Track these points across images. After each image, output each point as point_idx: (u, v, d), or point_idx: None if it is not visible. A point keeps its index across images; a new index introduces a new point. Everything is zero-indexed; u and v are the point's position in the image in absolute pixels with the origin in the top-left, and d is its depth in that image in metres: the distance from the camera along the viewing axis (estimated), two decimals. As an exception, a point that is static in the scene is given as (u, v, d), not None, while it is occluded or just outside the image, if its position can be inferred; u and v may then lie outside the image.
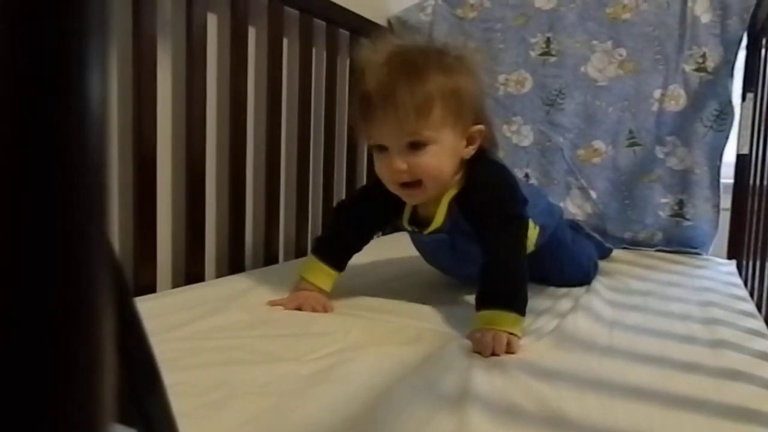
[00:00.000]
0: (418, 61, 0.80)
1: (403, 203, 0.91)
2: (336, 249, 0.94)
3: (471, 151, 0.85)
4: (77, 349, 0.12)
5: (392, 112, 0.78)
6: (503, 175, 0.89)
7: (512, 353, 0.70)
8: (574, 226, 1.31)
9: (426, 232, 0.90)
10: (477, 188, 0.86)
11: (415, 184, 0.82)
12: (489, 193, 0.85)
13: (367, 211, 0.96)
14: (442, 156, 0.81)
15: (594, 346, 0.74)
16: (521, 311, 0.75)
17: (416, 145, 0.80)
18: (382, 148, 0.82)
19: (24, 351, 0.12)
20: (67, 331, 0.12)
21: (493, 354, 0.69)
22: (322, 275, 0.91)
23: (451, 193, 0.87)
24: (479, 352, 0.69)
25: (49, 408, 0.12)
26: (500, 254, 0.80)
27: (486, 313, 0.75)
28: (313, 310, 0.85)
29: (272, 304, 0.87)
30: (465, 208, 0.86)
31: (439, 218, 0.88)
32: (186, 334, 0.72)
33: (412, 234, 0.96)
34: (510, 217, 0.83)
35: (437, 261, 1.03)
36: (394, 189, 0.85)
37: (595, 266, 1.15)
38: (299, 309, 0.85)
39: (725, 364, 0.69)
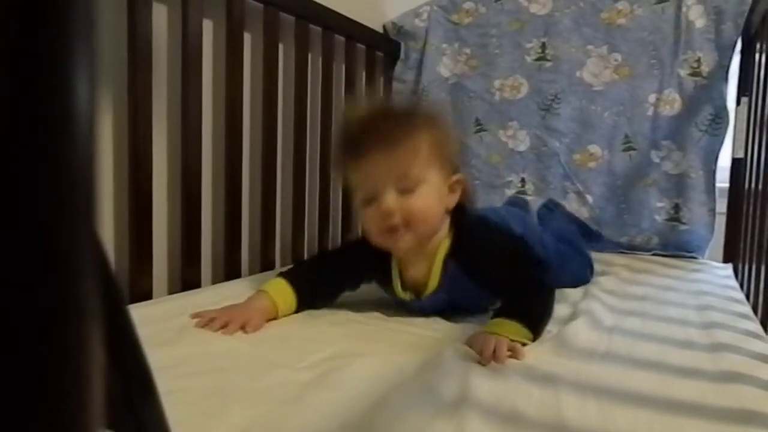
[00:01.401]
0: (403, 110, 0.90)
1: (389, 271, 0.89)
2: (308, 285, 0.88)
3: (453, 200, 0.86)
4: (65, 351, 0.12)
5: (383, 149, 0.79)
6: (494, 225, 0.93)
7: (515, 358, 0.69)
8: (551, 206, 1.33)
9: (424, 296, 0.87)
10: (472, 242, 0.86)
11: (402, 226, 0.80)
12: (494, 248, 0.87)
13: (348, 267, 0.92)
14: (431, 197, 0.82)
15: (593, 352, 0.74)
16: (533, 330, 0.75)
17: (406, 191, 0.80)
18: (371, 201, 0.81)
19: (11, 353, 0.12)
20: (55, 333, 0.12)
21: (495, 359, 0.68)
22: (284, 295, 0.85)
23: (443, 249, 0.86)
24: (480, 353, 0.68)
25: (38, 411, 0.12)
26: (529, 287, 0.83)
27: (496, 321, 0.76)
28: (242, 328, 0.76)
29: (195, 316, 0.79)
30: (464, 263, 0.85)
31: (434, 278, 0.86)
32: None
33: (405, 303, 0.89)
34: (531, 265, 0.89)
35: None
36: (379, 239, 0.82)
37: (591, 266, 1.15)
38: (224, 327, 0.75)
39: (724, 367, 0.69)
